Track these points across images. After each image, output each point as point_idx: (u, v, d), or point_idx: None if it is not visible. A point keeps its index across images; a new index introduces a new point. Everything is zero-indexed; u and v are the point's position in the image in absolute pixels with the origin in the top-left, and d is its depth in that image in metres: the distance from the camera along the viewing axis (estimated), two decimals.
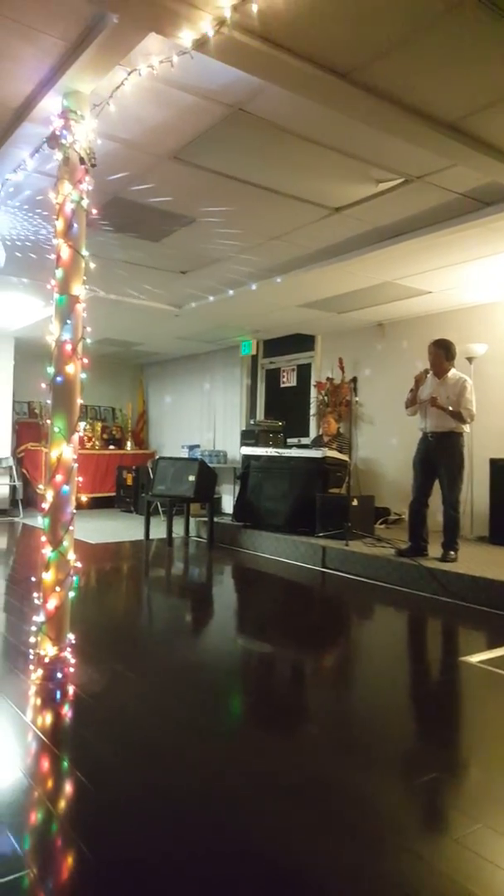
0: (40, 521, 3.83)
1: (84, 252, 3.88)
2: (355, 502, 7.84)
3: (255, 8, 3.14)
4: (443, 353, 6.69)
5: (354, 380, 10.22)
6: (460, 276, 7.44)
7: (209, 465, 9.60)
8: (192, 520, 9.96)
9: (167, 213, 5.95)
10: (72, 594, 3.83)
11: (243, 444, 10.33)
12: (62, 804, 2.46)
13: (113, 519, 11.52)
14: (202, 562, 8.04)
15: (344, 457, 8.77)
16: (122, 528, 10.30)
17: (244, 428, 11.59)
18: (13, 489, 11.77)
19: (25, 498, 11.96)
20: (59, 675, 3.68)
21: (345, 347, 10.59)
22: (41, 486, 3.84)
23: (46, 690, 3.54)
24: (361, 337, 10.35)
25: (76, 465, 3.84)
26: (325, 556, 7.43)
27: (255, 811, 2.44)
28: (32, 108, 4.09)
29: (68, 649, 3.79)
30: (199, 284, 8.30)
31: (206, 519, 9.42)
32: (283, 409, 11.59)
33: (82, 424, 3.76)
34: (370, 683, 4.10)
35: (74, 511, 3.83)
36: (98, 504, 12.74)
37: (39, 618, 3.75)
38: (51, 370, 3.79)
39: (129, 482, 12.52)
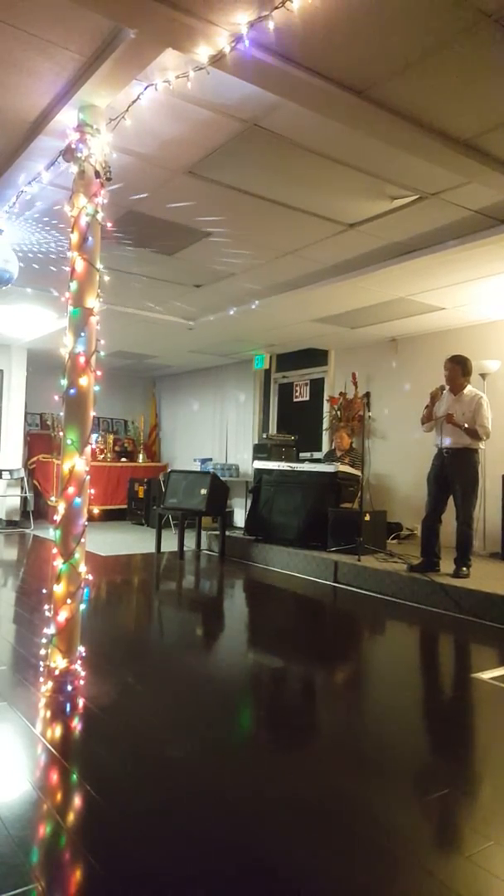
0: (51, 533, 3.83)
1: (98, 265, 3.90)
2: (367, 517, 7.81)
3: (271, 25, 3.15)
4: (459, 368, 6.68)
5: (367, 395, 10.22)
6: (474, 293, 7.43)
7: (221, 478, 9.58)
8: (203, 533, 9.95)
9: (182, 227, 5.98)
10: (83, 606, 3.83)
11: (255, 457, 10.32)
12: (71, 817, 2.44)
13: (124, 531, 11.52)
14: (213, 575, 8.02)
15: (356, 471, 8.75)
16: (133, 541, 10.30)
17: (256, 442, 11.58)
18: (24, 501, 11.79)
19: (36, 509, 11.98)
20: (70, 687, 3.67)
21: (358, 362, 10.59)
22: (53, 498, 3.84)
23: (56, 703, 3.54)
24: (375, 352, 10.35)
25: (88, 477, 3.84)
26: (336, 570, 7.40)
27: (265, 826, 2.42)
28: (48, 122, 4.12)
29: (79, 662, 3.79)
30: (213, 298, 8.32)
31: (217, 532, 9.41)
32: (295, 423, 11.60)
33: (95, 437, 3.76)
34: (381, 699, 4.07)
35: (86, 523, 3.84)
36: (109, 516, 12.75)
37: (50, 630, 3.75)
38: (64, 382, 3.80)
39: (141, 495, 12.50)
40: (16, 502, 11.78)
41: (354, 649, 5.27)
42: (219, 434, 13.13)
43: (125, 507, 12.97)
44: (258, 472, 9.41)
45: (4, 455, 11.71)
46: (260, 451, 10.48)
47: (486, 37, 3.26)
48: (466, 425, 6.43)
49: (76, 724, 3.33)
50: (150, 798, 2.61)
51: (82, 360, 3.79)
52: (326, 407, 11.02)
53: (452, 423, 6.49)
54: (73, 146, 3.89)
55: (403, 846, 2.34)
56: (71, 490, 3.76)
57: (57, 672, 3.69)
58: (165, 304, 8.71)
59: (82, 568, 3.79)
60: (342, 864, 2.22)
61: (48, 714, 3.41)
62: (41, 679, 3.76)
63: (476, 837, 2.40)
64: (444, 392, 6.72)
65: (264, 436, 11.15)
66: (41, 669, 3.81)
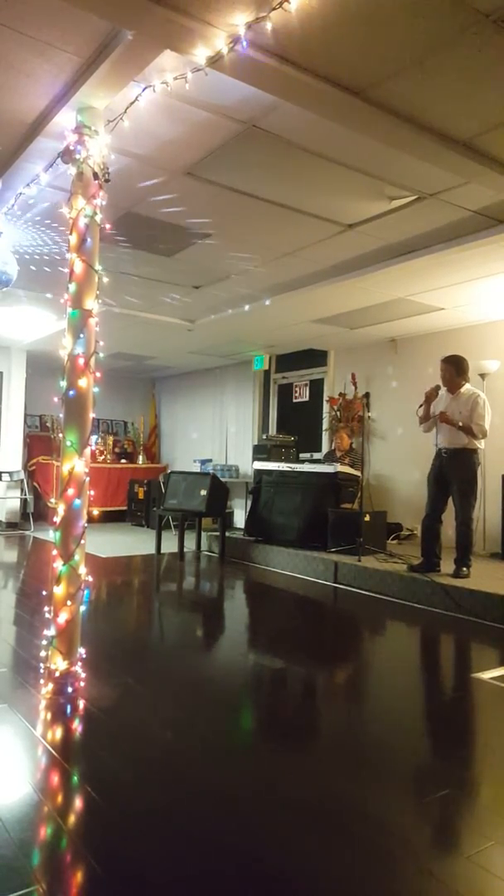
0: (51, 535, 3.83)
1: (97, 267, 3.90)
2: (367, 518, 7.81)
3: (269, 26, 3.15)
4: (453, 368, 6.68)
5: (367, 395, 10.23)
6: (473, 293, 7.43)
7: (221, 479, 9.58)
8: (203, 534, 9.94)
9: (180, 229, 5.98)
10: (83, 608, 3.83)
11: (255, 458, 10.33)
12: (72, 819, 2.44)
13: (124, 533, 11.52)
14: (213, 576, 8.02)
15: (356, 472, 8.75)
16: (133, 542, 10.30)
17: (256, 443, 11.58)
18: (24, 502, 11.79)
19: (36, 511, 11.96)
20: (70, 689, 3.67)
21: (357, 363, 10.59)
22: (52, 500, 3.84)
23: (57, 705, 3.54)
24: (374, 352, 10.35)
25: (88, 478, 3.84)
26: (337, 571, 7.40)
27: (265, 827, 2.42)
28: (47, 123, 4.12)
29: (79, 663, 3.79)
30: (212, 299, 8.32)
31: (217, 533, 9.40)
32: (295, 424, 11.60)
33: (94, 438, 3.76)
34: (381, 699, 4.07)
35: (86, 525, 3.84)
36: (109, 518, 12.75)
37: (50, 632, 3.74)
38: (63, 384, 3.80)
39: (141, 496, 12.50)
40: (15, 504, 11.78)
41: (355, 650, 5.27)
42: (219, 435, 13.13)
43: (125, 508, 12.97)
44: (258, 472, 9.41)
45: (4, 457, 11.70)
46: (260, 451, 10.49)
47: (485, 37, 3.26)
48: (461, 423, 6.42)
49: (77, 725, 3.33)
50: (151, 798, 2.61)
51: (81, 361, 3.79)
52: (326, 407, 11.02)
53: (445, 420, 6.49)
54: (72, 148, 3.89)
55: (403, 846, 2.34)
56: (71, 492, 3.76)
57: (57, 674, 3.69)
58: (164, 306, 8.70)
59: (82, 569, 3.79)
60: (342, 864, 2.21)
61: (49, 716, 3.41)
62: (41, 681, 3.76)
63: (476, 837, 2.40)
64: (443, 392, 6.72)
65: (264, 436, 11.16)
66: (41, 671, 3.81)
